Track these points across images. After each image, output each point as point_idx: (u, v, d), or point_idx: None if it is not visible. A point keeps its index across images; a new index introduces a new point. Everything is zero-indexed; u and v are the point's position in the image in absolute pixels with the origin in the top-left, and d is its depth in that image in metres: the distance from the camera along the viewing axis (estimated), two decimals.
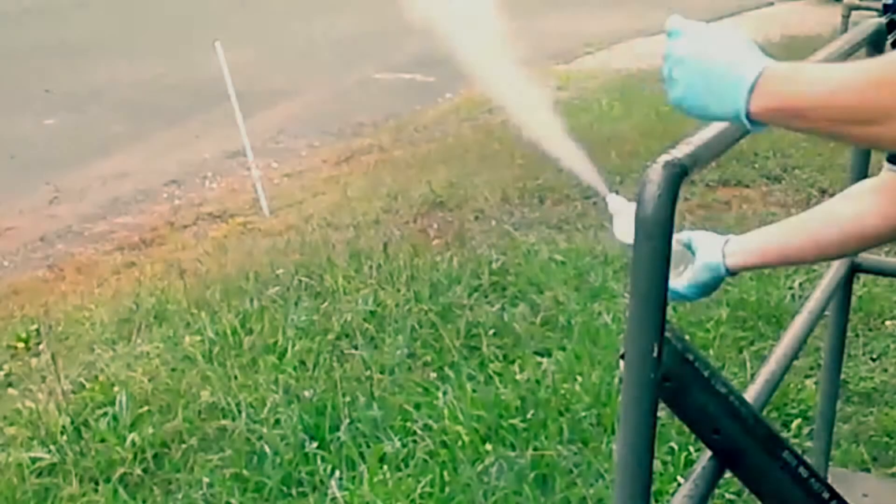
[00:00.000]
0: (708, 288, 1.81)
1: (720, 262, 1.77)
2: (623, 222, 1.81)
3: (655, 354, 1.23)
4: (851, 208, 1.74)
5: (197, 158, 8.72)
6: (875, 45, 2.47)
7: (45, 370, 4.51)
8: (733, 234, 1.82)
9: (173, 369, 4.36)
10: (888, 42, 1.70)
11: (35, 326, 5.12)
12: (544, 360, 4.19)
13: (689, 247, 1.84)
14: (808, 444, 3.24)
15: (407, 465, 3.52)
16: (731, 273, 1.78)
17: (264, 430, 3.76)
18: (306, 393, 4.00)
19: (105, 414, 4.01)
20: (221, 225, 7.05)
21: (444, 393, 3.91)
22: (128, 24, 14.46)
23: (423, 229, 6.09)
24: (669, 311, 1.26)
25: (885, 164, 1.71)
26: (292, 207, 7.19)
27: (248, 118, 7.48)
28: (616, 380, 3.86)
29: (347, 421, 3.77)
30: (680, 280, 1.82)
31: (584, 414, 3.74)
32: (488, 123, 9.10)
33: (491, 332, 4.42)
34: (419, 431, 3.68)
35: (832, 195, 1.84)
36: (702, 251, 1.79)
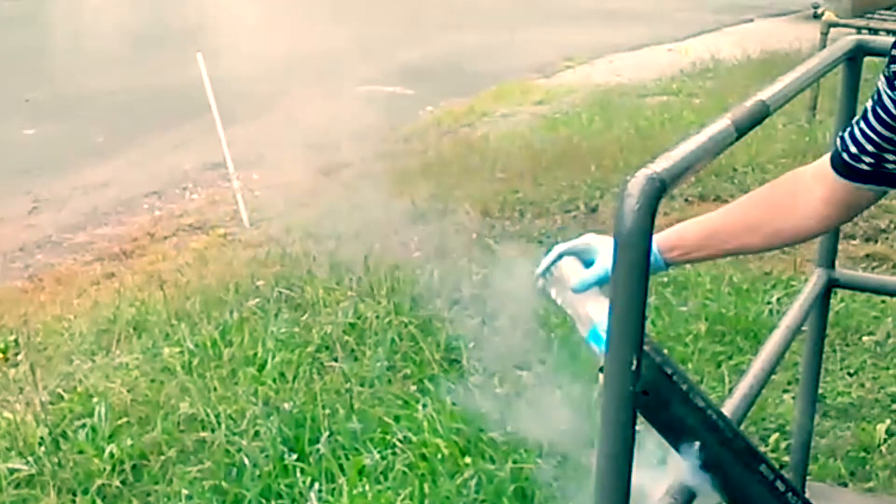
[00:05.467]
0: None
1: (660, 259, 1.79)
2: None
3: (634, 368, 1.24)
4: (802, 214, 1.79)
5: (178, 169, 8.69)
6: (852, 61, 2.49)
7: (24, 381, 4.48)
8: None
9: (152, 380, 4.35)
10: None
11: (13, 337, 5.09)
12: (524, 373, 4.19)
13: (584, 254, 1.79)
14: (786, 458, 3.26)
15: (386, 478, 3.52)
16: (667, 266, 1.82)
17: (244, 442, 3.75)
18: (286, 405, 3.99)
19: (83, 425, 3.99)
20: (202, 236, 7.04)
21: (424, 406, 3.91)
22: (110, 34, 14.42)
23: (404, 242, 6.08)
24: (648, 325, 1.27)
25: (833, 175, 1.74)
26: (273, 219, 7.18)
27: (230, 129, 7.48)
28: (595, 393, 3.86)
29: (327, 433, 3.77)
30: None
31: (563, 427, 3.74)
32: (469, 136, 9.12)
33: (471, 344, 4.43)
34: (399, 444, 3.68)
35: None
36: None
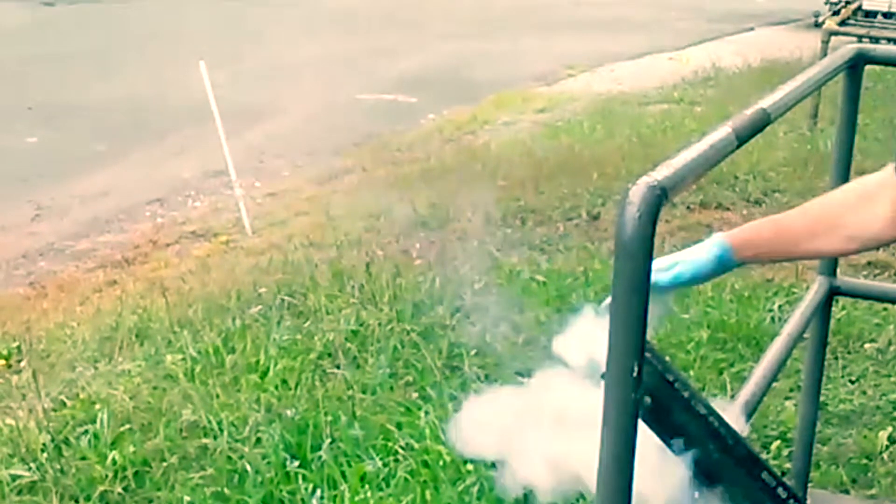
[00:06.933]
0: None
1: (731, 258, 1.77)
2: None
3: (636, 375, 1.25)
4: (872, 219, 1.76)
5: (180, 177, 8.71)
6: (853, 69, 2.50)
7: (26, 388, 4.49)
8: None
9: (155, 387, 4.35)
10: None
11: (16, 344, 5.10)
12: (526, 380, 4.19)
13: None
14: (788, 465, 3.26)
15: (388, 485, 3.52)
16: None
17: (246, 448, 3.75)
18: (288, 412, 3.99)
19: (86, 432, 3.99)
20: (204, 243, 7.05)
21: (426, 413, 3.91)
22: (112, 41, 14.45)
23: (406, 249, 6.10)
24: (650, 332, 1.27)
25: None
26: (275, 227, 7.20)
27: (232, 137, 7.49)
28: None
29: (329, 440, 3.77)
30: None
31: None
32: (471, 144, 9.14)
33: (472, 352, 4.43)
34: (401, 451, 3.68)
35: None
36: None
